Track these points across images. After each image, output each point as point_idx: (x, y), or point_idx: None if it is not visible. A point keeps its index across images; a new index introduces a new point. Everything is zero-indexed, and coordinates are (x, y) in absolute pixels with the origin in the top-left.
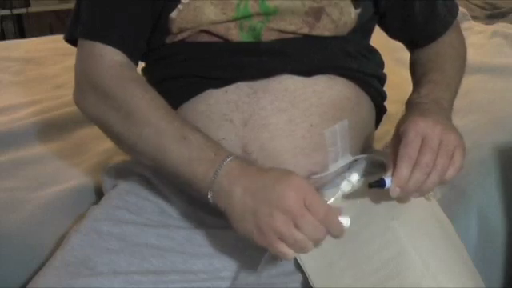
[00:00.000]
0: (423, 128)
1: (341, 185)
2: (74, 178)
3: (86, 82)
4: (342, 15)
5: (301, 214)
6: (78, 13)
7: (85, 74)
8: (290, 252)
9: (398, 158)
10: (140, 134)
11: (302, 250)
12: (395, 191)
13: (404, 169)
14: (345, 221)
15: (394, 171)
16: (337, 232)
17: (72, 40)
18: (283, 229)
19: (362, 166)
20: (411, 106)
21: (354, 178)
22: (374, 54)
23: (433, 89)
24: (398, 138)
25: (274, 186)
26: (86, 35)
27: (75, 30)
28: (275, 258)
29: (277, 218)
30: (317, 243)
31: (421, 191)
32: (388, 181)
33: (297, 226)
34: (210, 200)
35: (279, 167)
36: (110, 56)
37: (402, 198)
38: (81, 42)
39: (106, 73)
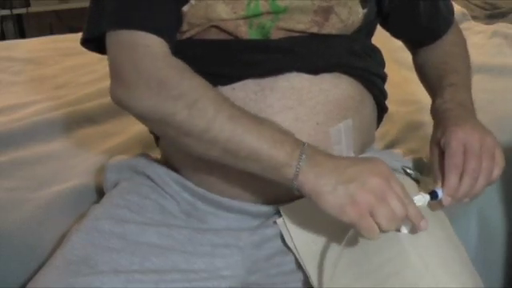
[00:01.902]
0: (463, 136)
1: (415, 197)
2: (75, 177)
3: (134, 75)
4: (350, 14)
5: (389, 188)
6: (97, 10)
7: (131, 66)
8: (376, 228)
9: (445, 169)
10: (211, 121)
11: (388, 226)
12: (447, 200)
13: (453, 179)
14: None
15: (443, 182)
16: (415, 217)
17: (89, 40)
18: (376, 201)
19: None
20: (439, 113)
21: (427, 198)
22: (377, 52)
23: (455, 92)
24: (437, 149)
25: (362, 163)
26: (126, 24)
27: (98, 25)
28: (357, 237)
29: (372, 189)
30: (398, 224)
31: (471, 196)
32: (439, 192)
33: (385, 200)
34: (294, 182)
35: None
36: (158, 46)
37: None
38: (117, 33)
39: (161, 62)
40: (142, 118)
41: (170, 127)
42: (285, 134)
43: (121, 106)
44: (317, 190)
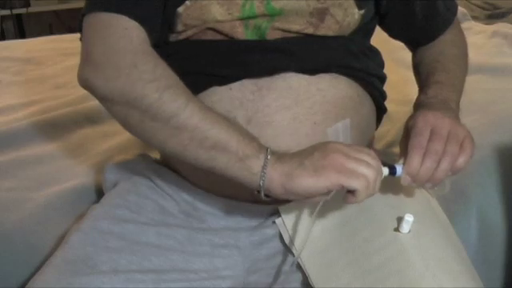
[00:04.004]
0: (432, 119)
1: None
2: (74, 177)
3: (104, 55)
4: (345, 16)
5: (350, 150)
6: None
7: (103, 47)
8: (356, 184)
9: (408, 147)
10: (182, 106)
11: (367, 180)
12: (406, 179)
13: (414, 157)
14: (384, 170)
15: (405, 161)
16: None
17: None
18: (346, 161)
19: None
20: (419, 106)
21: (386, 171)
22: (376, 53)
23: (440, 90)
24: (407, 133)
25: (316, 147)
26: (108, 8)
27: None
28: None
29: (336, 153)
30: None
31: (433, 180)
32: (399, 169)
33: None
34: (261, 182)
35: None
36: (136, 31)
37: (415, 189)
38: (96, 15)
39: (136, 46)
40: (106, 99)
41: (135, 111)
42: (252, 136)
43: (86, 86)
44: (286, 173)
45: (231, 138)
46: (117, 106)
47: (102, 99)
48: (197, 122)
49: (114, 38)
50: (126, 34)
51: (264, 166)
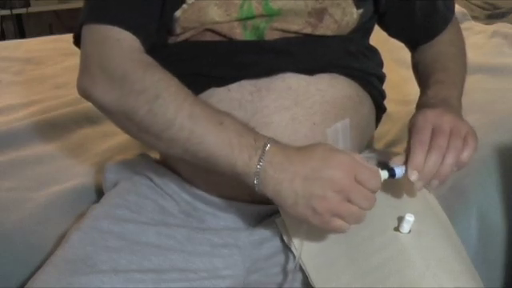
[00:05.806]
0: (431, 117)
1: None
2: (74, 177)
3: (99, 67)
4: (344, 15)
5: (353, 189)
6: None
7: (98, 58)
8: (345, 225)
9: (411, 145)
10: (171, 119)
11: (357, 220)
12: (414, 175)
13: (418, 153)
14: (383, 174)
15: (408, 158)
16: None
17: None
18: (338, 208)
19: None
20: (420, 107)
21: (385, 174)
22: (375, 53)
23: (440, 89)
24: (410, 134)
25: (322, 169)
26: (101, 19)
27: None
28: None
29: (331, 199)
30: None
31: (439, 176)
32: (398, 171)
33: (350, 201)
34: (256, 188)
35: (319, 143)
36: (128, 41)
37: (415, 189)
38: (92, 26)
39: (127, 56)
40: (105, 110)
41: (131, 123)
42: (244, 136)
43: (85, 96)
44: (278, 202)
45: (220, 153)
46: (116, 117)
47: (101, 109)
48: (187, 135)
49: (107, 50)
50: (118, 45)
51: (256, 183)
